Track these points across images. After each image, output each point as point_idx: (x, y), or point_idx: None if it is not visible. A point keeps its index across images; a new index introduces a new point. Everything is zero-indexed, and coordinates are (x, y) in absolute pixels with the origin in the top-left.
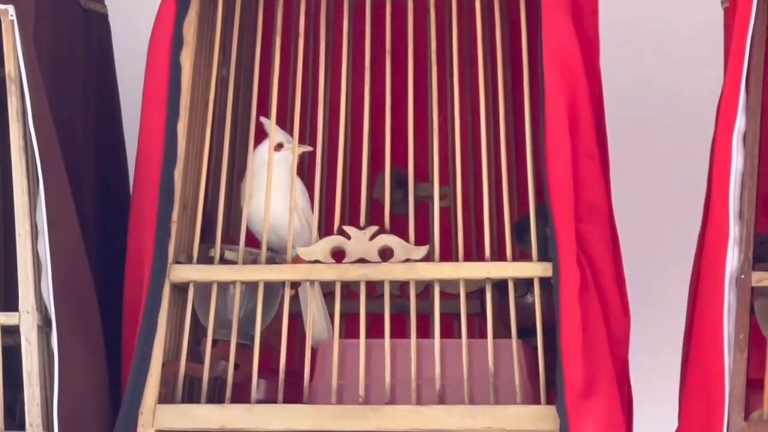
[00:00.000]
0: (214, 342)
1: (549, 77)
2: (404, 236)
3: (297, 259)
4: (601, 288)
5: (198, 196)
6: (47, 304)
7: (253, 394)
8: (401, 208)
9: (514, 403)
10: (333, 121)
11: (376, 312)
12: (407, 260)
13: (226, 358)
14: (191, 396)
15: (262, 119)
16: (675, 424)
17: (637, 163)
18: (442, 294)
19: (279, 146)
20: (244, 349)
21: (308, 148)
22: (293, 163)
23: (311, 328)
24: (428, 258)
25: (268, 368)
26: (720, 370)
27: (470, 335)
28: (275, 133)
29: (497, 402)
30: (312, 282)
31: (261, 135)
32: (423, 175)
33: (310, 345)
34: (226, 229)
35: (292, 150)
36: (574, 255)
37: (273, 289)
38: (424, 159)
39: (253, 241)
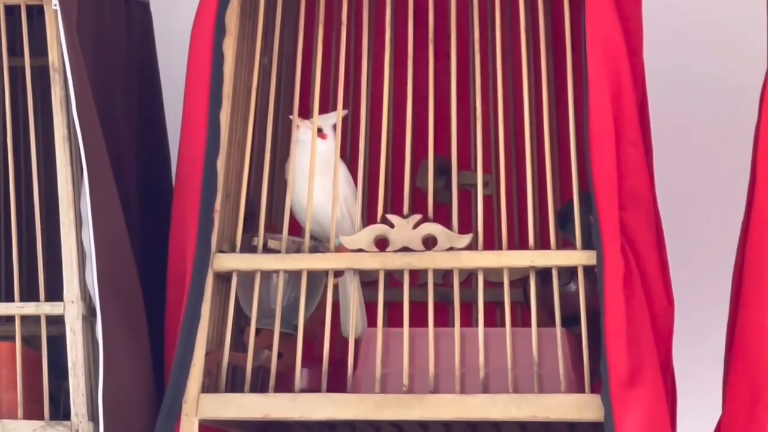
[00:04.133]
0: (258, 331)
1: (592, 65)
2: (447, 224)
3: (340, 248)
4: (645, 276)
5: (241, 185)
6: (92, 294)
7: (297, 383)
8: (444, 196)
9: (559, 391)
10: (375, 110)
11: (419, 301)
12: (451, 249)
13: (270, 347)
14: (234, 385)
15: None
16: (719, 413)
17: (680, 151)
18: (485, 282)
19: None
20: (288, 338)
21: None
22: (336, 152)
23: (354, 318)
24: (472, 246)
25: (311, 357)
26: (765, 358)
27: (513, 324)
28: (317, 125)
29: (541, 391)
30: (355, 270)
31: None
32: (466, 163)
33: (353, 335)
34: (268, 217)
35: (335, 140)
36: (618, 243)
37: (316, 278)
38: (466, 147)
39: (295, 229)
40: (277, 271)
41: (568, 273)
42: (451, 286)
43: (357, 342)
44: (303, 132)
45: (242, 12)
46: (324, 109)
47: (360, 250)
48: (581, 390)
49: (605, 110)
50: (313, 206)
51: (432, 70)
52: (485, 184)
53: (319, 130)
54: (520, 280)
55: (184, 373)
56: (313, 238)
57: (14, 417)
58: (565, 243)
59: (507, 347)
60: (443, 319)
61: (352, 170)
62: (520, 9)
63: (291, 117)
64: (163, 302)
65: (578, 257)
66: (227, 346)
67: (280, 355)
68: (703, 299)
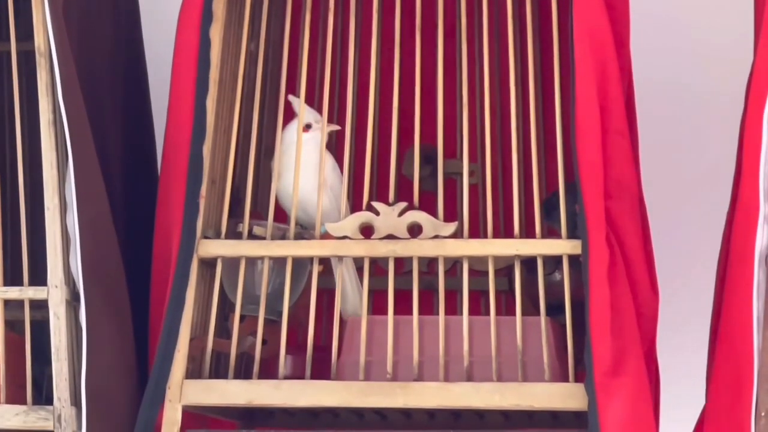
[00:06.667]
0: (242, 317)
1: (579, 53)
2: (433, 212)
3: (325, 235)
4: (629, 265)
5: (226, 172)
6: (75, 279)
7: (281, 370)
8: (430, 184)
9: (542, 380)
10: (362, 97)
11: (403, 288)
12: (436, 237)
13: (254, 333)
14: (218, 372)
15: (291, 98)
16: (702, 402)
17: (665, 141)
18: (470, 271)
19: (307, 126)
20: (272, 324)
21: (336, 127)
22: (322, 140)
23: (339, 303)
24: (457, 235)
25: (296, 344)
26: (749, 349)
27: (498, 313)
28: (304, 112)
29: (525, 379)
30: (340, 258)
31: (290, 111)
32: (452, 151)
33: (338, 321)
34: (254, 204)
35: (321, 129)
36: (603, 232)
37: (301, 264)
38: (452, 135)
39: (281, 216)
40: (262, 258)
41: (553, 262)
42: (436, 274)
43: (341, 329)
44: (311, 131)
45: None
46: (310, 95)
47: (345, 238)
48: (565, 379)
49: (591, 100)
50: (299, 194)
51: (419, 59)
52: (471, 173)
53: (308, 125)
54: (505, 268)
55: (168, 358)
56: (299, 225)
57: None
58: (551, 232)
59: (491, 336)
60: (428, 307)
61: (339, 158)
62: None
63: (290, 98)
64: (147, 288)
65: (563, 246)
66: (211, 333)
67: (264, 342)
68: (687, 288)
